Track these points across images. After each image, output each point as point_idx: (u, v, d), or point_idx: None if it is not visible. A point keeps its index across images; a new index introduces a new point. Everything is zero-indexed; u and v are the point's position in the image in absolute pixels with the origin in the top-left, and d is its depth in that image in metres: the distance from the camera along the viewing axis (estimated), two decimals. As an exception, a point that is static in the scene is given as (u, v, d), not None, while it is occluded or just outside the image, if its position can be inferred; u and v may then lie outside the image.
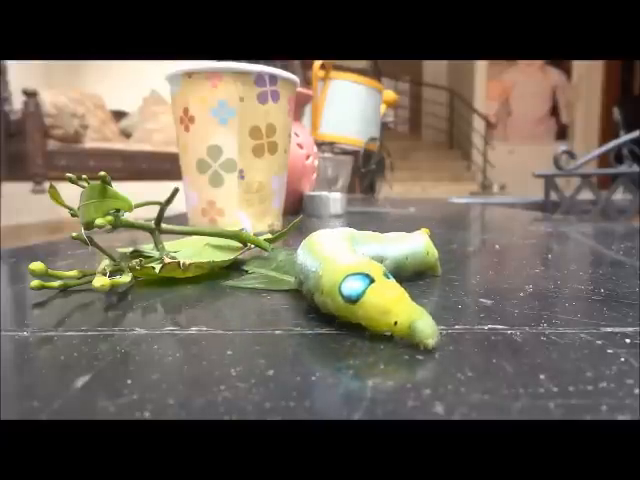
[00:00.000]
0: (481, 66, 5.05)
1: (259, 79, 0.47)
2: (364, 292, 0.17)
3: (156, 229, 0.31)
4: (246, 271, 0.30)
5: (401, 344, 0.17)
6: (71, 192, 0.28)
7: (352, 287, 0.18)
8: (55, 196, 0.27)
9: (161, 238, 0.31)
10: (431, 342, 0.16)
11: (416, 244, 0.28)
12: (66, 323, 0.21)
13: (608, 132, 4.54)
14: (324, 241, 0.22)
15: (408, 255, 0.27)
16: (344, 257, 0.20)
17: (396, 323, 0.17)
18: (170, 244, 0.35)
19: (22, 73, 2.98)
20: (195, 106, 0.47)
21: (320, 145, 1.17)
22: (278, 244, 0.35)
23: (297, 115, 0.77)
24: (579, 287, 0.27)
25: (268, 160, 0.50)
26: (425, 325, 0.16)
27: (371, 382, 0.15)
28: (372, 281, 0.18)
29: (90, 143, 2.97)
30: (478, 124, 4.94)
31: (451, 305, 0.23)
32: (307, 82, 1.30)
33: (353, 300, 0.18)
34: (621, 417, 0.12)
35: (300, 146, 0.76)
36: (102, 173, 0.26)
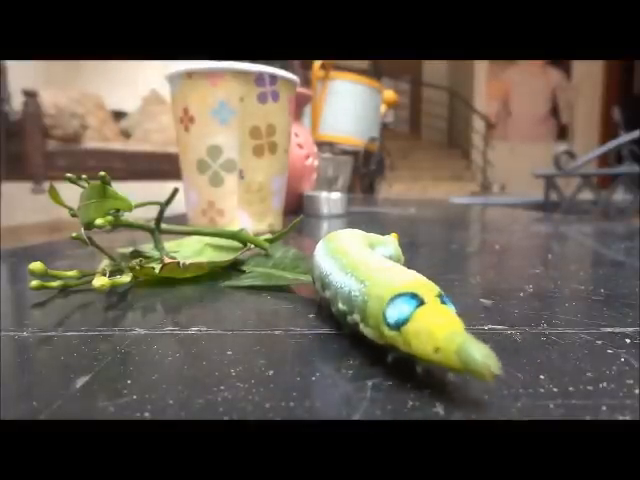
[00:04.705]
0: (481, 66, 5.04)
1: (259, 79, 0.47)
2: (410, 316, 0.14)
3: (156, 229, 0.31)
4: (244, 271, 0.30)
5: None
6: (71, 192, 0.28)
7: (396, 312, 0.15)
8: (55, 196, 0.27)
9: (161, 238, 0.31)
10: (492, 367, 0.12)
11: (393, 248, 0.26)
12: (66, 323, 0.21)
13: (608, 132, 4.54)
14: (358, 250, 0.19)
15: (392, 257, 0.26)
16: (391, 274, 0.16)
17: (438, 350, 0.13)
18: (170, 244, 0.35)
19: (22, 73, 2.98)
20: (195, 106, 0.47)
21: (320, 145, 1.18)
22: (276, 242, 0.35)
23: (297, 115, 0.77)
24: (579, 287, 0.27)
25: (268, 160, 0.50)
26: (478, 348, 0.13)
27: (371, 382, 0.15)
28: (421, 303, 0.14)
29: (90, 143, 2.97)
30: (478, 124, 4.94)
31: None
32: (307, 82, 1.30)
33: (398, 326, 0.14)
34: (621, 417, 0.12)
35: (300, 146, 0.76)
36: (102, 173, 0.26)
